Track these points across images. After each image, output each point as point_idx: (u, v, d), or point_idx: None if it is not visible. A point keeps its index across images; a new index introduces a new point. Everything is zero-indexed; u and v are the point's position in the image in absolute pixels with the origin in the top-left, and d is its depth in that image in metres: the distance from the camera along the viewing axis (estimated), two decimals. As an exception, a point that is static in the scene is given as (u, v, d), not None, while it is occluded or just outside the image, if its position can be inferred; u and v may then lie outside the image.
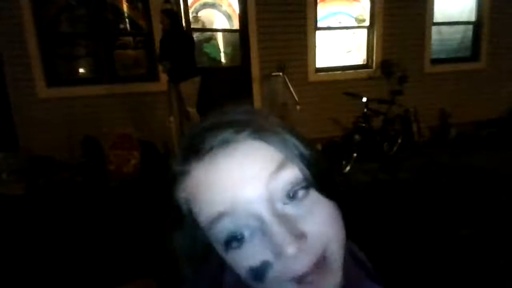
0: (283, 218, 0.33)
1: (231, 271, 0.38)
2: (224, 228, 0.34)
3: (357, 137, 3.99)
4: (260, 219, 0.34)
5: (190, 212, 0.38)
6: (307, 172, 0.36)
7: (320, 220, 0.35)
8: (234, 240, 0.35)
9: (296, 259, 0.33)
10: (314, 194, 0.36)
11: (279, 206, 0.35)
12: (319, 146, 3.84)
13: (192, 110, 4.16)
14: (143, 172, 3.98)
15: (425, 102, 5.26)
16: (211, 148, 0.36)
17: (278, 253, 0.33)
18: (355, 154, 3.94)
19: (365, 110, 4.12)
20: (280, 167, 0.35)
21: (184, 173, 0.38)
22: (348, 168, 3.87)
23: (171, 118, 3.72)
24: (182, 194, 0.39)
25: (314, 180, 0.36)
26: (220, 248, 0.37)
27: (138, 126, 4.40)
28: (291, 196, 0.35)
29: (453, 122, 5.41)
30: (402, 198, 3.32)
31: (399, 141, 4.51)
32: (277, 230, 0.33)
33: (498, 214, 2.89)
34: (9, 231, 2.84)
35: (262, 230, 0.34)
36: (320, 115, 4.87)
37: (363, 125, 4.09)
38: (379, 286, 0.45)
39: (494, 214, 2.89)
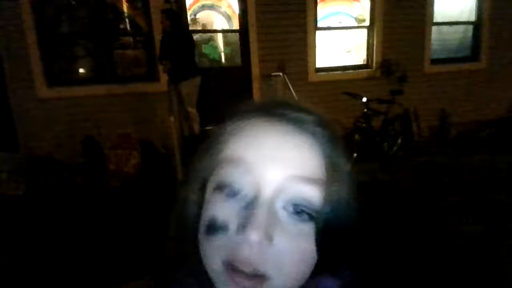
0: (272, 213, 0.33)
1: (195, 275, 0.38)
2: (230, 171, 0.35)
3: (357, 137, 3.99)
4: (258, 194, 0.34)
5: (220, 146, 0.38)
6: (326, 208, 0.35)
7: (291, 250, 0.34)
8: (228, 188, 0.35)
9: (246, 246, 0.32)
10: (309, 228, 0.34)
11: (280, 204, 0.34)
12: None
13: (192, 110, 4.17)
14: (143, 172, 3.98)
15: (425, 102, 5.27)
16: (284, 115, 0.37)
17: (242, 228, 0.32)
18: (355, 154, 3.94)
19: (365, 110, 4.12)
20: (310, 181, 0.34)
21: (245, 117, 0.39)
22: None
23: (171, 118, 3.72)
24: (227, 131, 0.39)
25: (322, 218, 0.35)
26: (211, 187, 0.37)
27: (138, 126, 4.40)
28: (297, 211, 0.34)
29: (453, 122, 5.41)
30: (402, 198, 3.32)
31: (399, 141, 4.51)
32: (259, 213, 0.32)
33: (498, 214, 2.89)
34: (9, 231, 2.84)
35: (251, 204, 0.34)
36: (320, 115, 4.87)
37: (363, 125, 4.09)
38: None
39: (494, 214, 2.89)
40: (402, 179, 3.83)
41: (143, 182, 3.82)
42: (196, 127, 4.23)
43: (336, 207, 0.35)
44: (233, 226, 0.33)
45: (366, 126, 4.11)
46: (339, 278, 0.42)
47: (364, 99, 4.07)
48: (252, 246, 0.32)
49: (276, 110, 0.38)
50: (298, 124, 0.36)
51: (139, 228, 2.74)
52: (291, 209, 0.34)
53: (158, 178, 3.80)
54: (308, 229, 0.34)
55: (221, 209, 0.34)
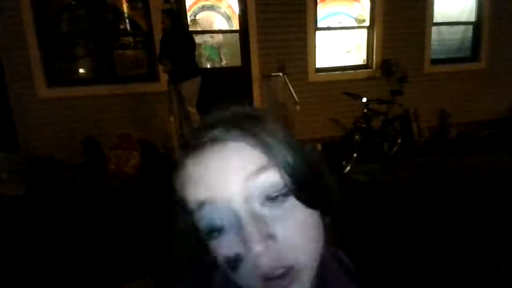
0: (257, 218, 0.36)
1: (221, 271, 0.41)
2: (205, 216, 0.37)
3: (357, 137, 3.99)
4: (236, 215, 0.36)
5: (183, 200, 0.41)
6: (288, 179, 0.37)
7: (294, 228, 0.37)
8: (214, 230, 0.37)
9: (262, 257, 0.35)
10: (292, 201, 0.37)
11: (256, 206, 0.37)
12: (319, 146, 3.84)
13: (192, 110, 4.17)
14: (143, 172, 3.98)
15: (425, 102, 5.27)
16: (203, 144, 0.39)
17: (248, 248, 0.35)
18: (355, 154, 3.94)
19: (365, 110, 4.12)
20: (261, 170, 0.37)
21: (180, 166, 0.41)
22: (348, 168, 3.87)
23: (171, 118, 3.73)
24: (177, 184, 0.42)
25: (294, 188, 0.37)
26: (204, 236, 0.39)
27: (138, 126, 4.40)
28: (271, 198, 0.37)
29: (453, 122, 5.41)
30: (402, 198, 3.32)
31: (399, 141, 4.51)
32: (249, 228, 0.35)
33: (498, 214, 2.89)
34: (9, 231, 2.84)
35: (238, 224, 0.36)
36: (320, 115, 4.87)
37: (363, 125, 4.09)
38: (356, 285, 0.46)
39: (494, 214, 2.89)
40: (402, 179, 3.83)
41: (143, 182, 3.82)
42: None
43: (297, 172, 0.38)
44: (243, 252, 0.36)
45: (366, 126, 4.11)
46: (356, 281, 0.46)
47: (364, 100, 4.07)
48: (266, 255, 0.35)
49: (198, 140, 0.40)
50: (216, 141, 0.39)
51: (139, 228, 2.74)
52: (266, 202, 0.37)
53: (158, 178, 3.80)
54: (290, 203, 0.37)
55: (224, 246, 0.37)
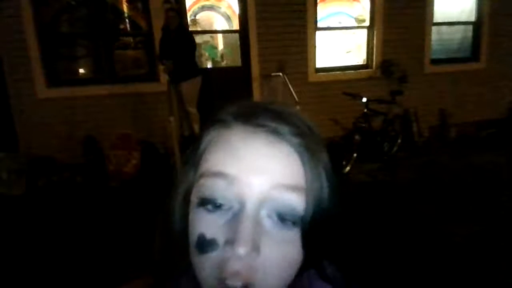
0: (257, 223, 0.34)
1: (188, 277, 0.39)
2: (214, 186, 0.35)
3: (357, 137, 3.99)
4: (242, 206, 0.34)
5: (202, 156, 0.39)
6: (309, 212, 0.35)
7: (278, 257, 0.35)
8: (212, 203, 0.35)
9: (235, 260, 0.33)
10: (295, 235, 0.36)
11: (264, 213, 0.35)
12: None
13: (192, 110, 4.17)
14: (143, 172, 3.98)
15: (425, 102, 5.27)
16: (263, 126, 0.37)
17: (230, 243, 0.33)
18: (355, 154, 3.94)
19: (365, 110, 4.12)
20: (293, 189, 0.35)
21: (224, 122, 0.39)
22: (348, 168, 3.87)
23: (171, 118, 3.72)
24: (209, 137, 0.40)
25: (308, 226, 0.35)
26: (194, 202, 0.37)
27: (138, 126, 4.40)
28: (280, 218, 0.35)
29: (453, 122, 5.41)
30: (402, 198, 3.33)
31: (399, 141, 4.51)
32: (245, 226, 0.33)
33: (498, 214, 2.89)
34: (9, 231, 2.84)
35: (236, 216, 0.34)
36: (320, 115, 4.87)
37: (363, 125, 4.09)
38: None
39: (494, 214, 2.89)
40: (402, 179, 3.83)
41: (143, 182, 3.82)
42: (196, 127, 4.23)
43: (319, 211, 0.36)
44: (221, 241, 0.34)
45: (366, 126, 4.11)
46: (331, 282, 0.43)
47: (364, 99, 4.07)
48: (241, 260, 0.33)
49: (254, 118, 0.38)
50: (275, 134, 0.36)
51: (139, 228, 2.74)
52: (275, 217, 0.35)
53: (158, 178, 3.80)
54: (293, 234, 0.35)
55: (207, 225, 0.35)
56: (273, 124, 0.37)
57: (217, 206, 0.35)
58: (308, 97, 4.81)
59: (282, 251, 0.35)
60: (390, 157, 4.37)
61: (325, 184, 0.38)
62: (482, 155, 4.45)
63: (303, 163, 0.36)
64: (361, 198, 3.28)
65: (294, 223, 0.35)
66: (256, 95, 4.79)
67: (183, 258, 0.40)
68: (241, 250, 0.32)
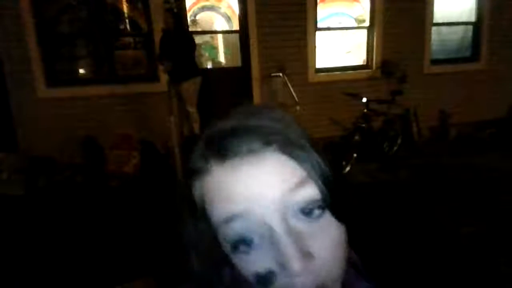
0: (293, 233, 0.34)
1: (232, 268, 0.39)
2: (235, 229, 0.35)
3: (357, 137, 3.99)
4: (270, 229, 0.34)
5: (203, 208, 0.39)
6: (326, 192, 0.36)
7: (330, 245, 0.36)
8: (243, 243, 0.35)
9: (299, 277, 0.33)
10: (327, 216, 0.36)
11: (292, 220, 0.35)
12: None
13: (192, 110, 4.17)
14: (143, 172, 3.98)
15: (425, 102, 5.26)
16: (236, 155, 0.36)
17: (283, 265, 0.33)
18: (355, 154, 3.94)
19: (365, 110, 4.12)
20: (300, 184, 0.35)
21: (203, 171, 0.38)
22: (348, 168, 3.87)
23: (171, 118, 3.73)
24: (198, 190, 0.39)
25: (331, 202, 0.36)
26: (227, 249, 0.37)
27: (138, 126, 4.40)
28: (306, 212, 0.35)
29: (453, 122, 5.41)
30: (402, 198, 3.32)
31: (399, 141, 4.50)
32: (286, 244, 0.33)
33: (498, 214, 2.89)
34: (9, 231, 2.84)
35: (271, 240, 0.34)
36: (320, 115, 4.87)
37: (363, 125, 4.09)
38: (370, 285, 0.46)
39: (494, 214, 2.89)
40: (402, 179, 3.83)
41: (143, 182, 3.82)
42: (196, 127, 4.24)
43: (331, 187, 0.37)
44: (276, 269, 0.34)
45: (366, 126, 4.11)
46: (371, 281, 0.46)
47: (364, 99, 4.07)
48: (303, 275, 0.33)
49: (226, 152, 0.36)
50: (253, 153, 0.36)
51: (139, 228, 2.75)
52: (301, 215, 0.35)
53: (158, 178, 3.80)
54: (326, 218, 0.36)
55: (254, 264, 0.35)
56: (245, 147, 0.36)
57: (249, 243, 0.35)
58: (308, 97, 4.81)
59: (328, 237, 0.36)
60: (390, 157, 4.37)
61: (323, 163, 0.38)
62: (482, 155, 4.45)
63: (294, 158, 0.36)
64: (361, 198, 3.28)
65: (319, 209, 0.36)
66: (256, 95, 4.79)
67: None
68: (297, 266, 0.32)
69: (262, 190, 0.34)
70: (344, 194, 0.39)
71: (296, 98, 4.49)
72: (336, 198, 0.37)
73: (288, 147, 0.37)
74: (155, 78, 4.48)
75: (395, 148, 4.47)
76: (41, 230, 2.86)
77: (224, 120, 0.40)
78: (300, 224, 0.35)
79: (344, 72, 5.18)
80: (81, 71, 4.54)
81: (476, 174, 3.83)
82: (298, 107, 4.48)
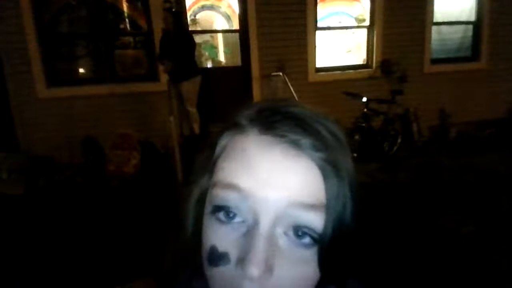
0: (271, 241, 0.32)
1: (199, 278, 0.38)
2: (227, 197, 0.33)
3: (357, 137, 3.99)
4: (256, 223, 0.32)
5: (216, 161, 0.37)
6: (328, 233, 0.33)
7: (294, 277, 0.33)
8: (224, 212, 0.34)
9: (247, 282, 0.31)
10: (312, 253, 0.33)
11: (279, 230, 0.33)
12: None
13: (192, 110, 4.17)
14: (143, 172, 3.98)
15: (425, 102, 5.26)
16: (281, 136, 0.34)
17: (241, 262, 0.31)
18: (355, 154, 3.94)
19: (365, 110, 4.12)
20: (312, 208, 0.33)
21: (241, 127, 0.37)
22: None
23: (171, 118, 3.73)
24: (224, 141, 0.38)
25: (325, 245, 0.33)
26: (207, 208, 0.36)
27: (138, 126, 4.40)
28: (297, 234, 0.33)
29: (453, 122, 5.40)
30: (402, 198, 3.32)
31: (399, 141, 4.50)
32: (258, 245, 0.31)
33: (498, 214, 2.89)
34: (9, 231, 2.84)
35: (249, 231, 0.32)
36: (320, 115, 4.87)
37: (363, 125, 4.09)
38: None
39: (494, 214, 2.89)
40: (402, 179, 3.82)
41: (143, 182, 3.82)
42: (196, 127, 4.24)
43: (339, 229, 0.34)
44: (233, 256, 0.33)
45: (366, 126, 4.11)
46: None
47: (364, 99, 4.07)
48: (252, 281, 0.31)
49: (272, 126, 0.35)
50: (295, 145, 0.34)
51: (139, 228, 2.75)
52: (291, 233, 0.33)
53: (158, 178, 3.80)
54: (309, 254, 0.33)
55: (219, 237, 0.34)
56: (293, 136, 0.34)
57: (230, 217, 0.33)
58: (308, 97, 4.80)
59: (297, 271, 0.33)
60: (390, 157, 4.37)
61: (348, 201, 0.35)
62: (482, 155, 4.44)
63: (325, 179, 0.34)
64: (361, 198, 3.28)
65: (311, 240, 0.33)
66: (256, 95, 4.79)
67: (194, 261, 0.39)
68: (254, 271, 0.30)
69: (277, 185, 0.32)
70: (343, 251, 0.35)
71: (296, 98, 4.49)
72: (334, 242, 0.33)
73: (328, 166, 0.34)
74: (155, 78, 4.48)
75: (395, 148, 4.47)
76: (41, 230, 2.86)
77: (290, 102, 0.38)
78: (283, 240, 0.33)
79: (344, 71, 5.18)
80: (81, 71, 4.54)
81: (476, 174, 3.83)
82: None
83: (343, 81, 5.01)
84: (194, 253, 0.38)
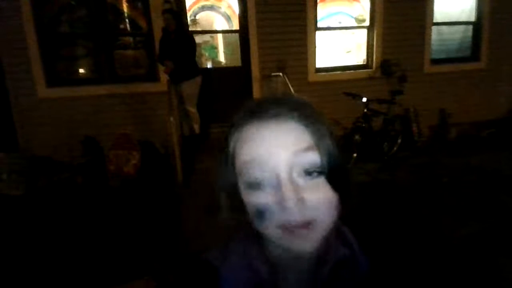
0: (293, 183, 0.45)
1: (256, 244, 0.53)
2: (251, 172, 0.46)
3: (357, 137, 3.99)
4: (278, 177, 0.45)
5: (233, 155, 0.50)
6: (325, 161, 0.46)
7: (319, 196, 0.46)
8: (255, 184, 0.46)
9: (291, 212, 0.44)
10: (323, 180, 0.47)
11: (295, 174, 0.46)
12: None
13: (192, 110, 4.17)
14: (143, 172, 3.98)
15: (425, 102, 5.27)
16: (267, 115, 0.48)
17: (280, 203, 0.44)
18: (355, 154, 3.94)
19: (365, 110, 4.12)
20: (308, 149, 0.46)
21: (240, 125, 0.50)
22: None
23: (171, 118, 3.73)
24: (233, 140, 0.50)
25: (327, 170, 0.46)
26: (242, 187, 0.48)
27: (138, 126, 4.40)
28: (308, 173, 0.46)
29: (453, 122, 5.41)
30: (402, 198, 3.32)
31: (399, 141, 4.51)
32: (286, 188, 0.44)
33: (498, 214, 2.89)
34: (9, 231, 2.84)
35: (276, 185, 0.45)
36: (320, 115, 4.86)
37: (363, 125, 4.09)
38: (350, 251, 0.55)
39: (494, 214, 2.89)
40: (402, 179, 3.83)
41: (143, 182, 3.82)
42: (196, 127, 4.24)
43: (332, 160, 0.47)
44: (274, 207, 0.45)
45: (366, 126, 4.11)
46: (350, 247, 0.56)
47: (364, 99, 4.07)
48: (294, 210, 0.44)
49: (261, 112, 0.48)
50: (280, 116, 0.48)
51: (139, 228, 2.75)
52: (303, 174, 0.46)
53: (158, 178, 3.80)
54: (321, 180, 0.46)
55: (258, 199, 0.46)
56: (276, 110, 0.48)
57: (260, 185, 0.46)
58: (308, 97, 4.65)
59: (320, 194, 0.46)
60: (390, 157, 4.37)
61: (329, 141, 0.48)
62: (482, 155, 4.44)
63: (307, 128, 0.47)
64: (361, 198, 3.28)
65: (318, 173, 0.46)
66: (256, 95, 4.78)
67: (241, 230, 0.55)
68: (290, 203, 0.43)
69: (278, 147, 0.46)
70: (340, 168, 0.48)
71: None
72: (333, 169, 0.47)
73: (305, 118, 0.48)
74: (155, 78, 4.48)
75: (395, 148, 4.47)
76: (41, 230, 2.86)
77: (269, 96, 0.53)
78: (301, 179, 0.46)
79: (344, 71, 5.18)
80: (81, 71, 4.54)
81: (476, 174, 3.83)
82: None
83: (343, 81, 5.01)
84: (238, 225, 0.53)
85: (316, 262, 0.52)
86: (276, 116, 0.48)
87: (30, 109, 4.14)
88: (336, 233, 0.55)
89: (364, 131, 4.08)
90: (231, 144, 0.50)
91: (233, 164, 0.50)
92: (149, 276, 2.04)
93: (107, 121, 4.31)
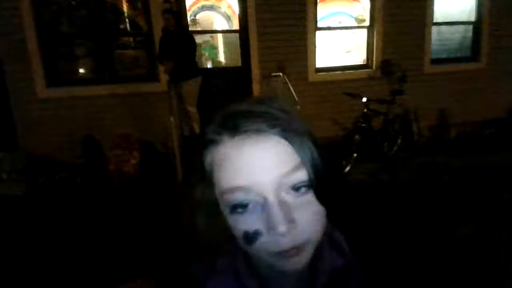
0: (282, 204, 0.42)
1: (243, 259, 0.50)
2: (236, 197, 0.43)
3: (357, 137, 3.99)
4: (265, 199, 0.42)
5: (211, 174, 0.46)
6: (313, 177, 0.43)
7: (309, 216, 0.43)
8: (240, 207, 0.43)
9: (283, 237, 0.41)
10: (311, 196, 0.44)
11: (283, 194, 0.42)
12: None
13: (192, 110, 4.17)
14: (143, 172, 3.98)
15: (425, 102, 5.27)
16: (246, 132, 0.43)
17: (271, 228, 0.41)
18: (355, 154, 3.94)
19: (365, 110, 4.12)
20: (295, 169, 0.43)
21: (215, 143, 0.45)
22: (348, 168, 3.87)
23: (171, 118, 3.73)
24: (209, 159, 0.46)
25: (315, 185, 0.43)
26: (226, 210, 0.45)
27: (138, 126, 4.40)
28: (295, 189, 0.43)
29: (453, 122, 5.41)
30: (402, 198, 3.32)
31: (399, 141, 4.50)
32: (276, 211, 0.41)
33: (498, 214, 2.89)
34: (9, 231, 2.84)
35: (264, 207, 0.42)
36: (320, 115, 4.87)
37: (363, 125, 4.09)
38: (343, 258, 0.54)
39: (494, 214, 2.89)
40: (402, 179, 3.83)
41: (143, 182, 3.82)
42: (196, 127, 4.24)
43: (318, 173, 0.44)
44: (263, 229, 0.42)
45: (366, 126, 4.11)
46: (346, 258, 0.54)
47: (364, 99, 4.07)
48: (286, 235, 0.41)
49: (237, 128, 0.43)
50: (259, 132, 0.43)
51: (139, 228, 2.75)
52: (291, 191, 0.43)
53: (158, 178, 3.80)
54: (310, 196, 0.44)
55: (246, 223, 0.43)
56: (254, 126, 0.43)
57: (245, 207, 0.43)
58: (308, 97, 4.81)
59: (309, 211, 0.43)
60: (390, 157, 4.37)
61: (313, 150, 0.45)
62: (482, 155, 4.44)
63: (290, 143, 0.43)
64: (361, 198, 3.28)
65: (305, 188, 0.43)
66: (256, 95, 4.79)
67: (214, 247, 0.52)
68: (282, 228, 0.40)
69: (263, 171, 0.42)
70: (328, 182, 0.45)
71: (296, 98, 4.49)
72: (321, 184, 0.44)
73: (288, 133, 0.43)
74: (155, 78, 4.48)
75: (395, 148, 4.47)
76: (41, 230, 2.86)
77: (238, 103, 0.47)
78: (289, 197, 0.43)
79: (344, 71, 5.18)
80: (81, 70, 4.54)
81: (476, 174, 3.83)
82: (298, 107, 4.48)
83: (343, 81, 5.01)
84: (216, 240, 0.50)
85: (309, 273, 0.50)
86: (257, 132, 0.42)
87: (30, 109, 4.14)
88: (329, 241, 0.54)
89: (364, 131, 4.07)
90: (206, 163, 0.46)
91: (210, 181, 0.46)
92: (148, 276, 2.04)
93: (107, 121, 4.31)
